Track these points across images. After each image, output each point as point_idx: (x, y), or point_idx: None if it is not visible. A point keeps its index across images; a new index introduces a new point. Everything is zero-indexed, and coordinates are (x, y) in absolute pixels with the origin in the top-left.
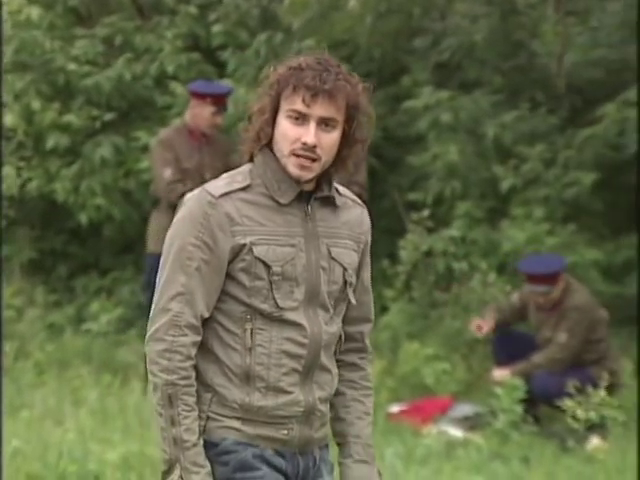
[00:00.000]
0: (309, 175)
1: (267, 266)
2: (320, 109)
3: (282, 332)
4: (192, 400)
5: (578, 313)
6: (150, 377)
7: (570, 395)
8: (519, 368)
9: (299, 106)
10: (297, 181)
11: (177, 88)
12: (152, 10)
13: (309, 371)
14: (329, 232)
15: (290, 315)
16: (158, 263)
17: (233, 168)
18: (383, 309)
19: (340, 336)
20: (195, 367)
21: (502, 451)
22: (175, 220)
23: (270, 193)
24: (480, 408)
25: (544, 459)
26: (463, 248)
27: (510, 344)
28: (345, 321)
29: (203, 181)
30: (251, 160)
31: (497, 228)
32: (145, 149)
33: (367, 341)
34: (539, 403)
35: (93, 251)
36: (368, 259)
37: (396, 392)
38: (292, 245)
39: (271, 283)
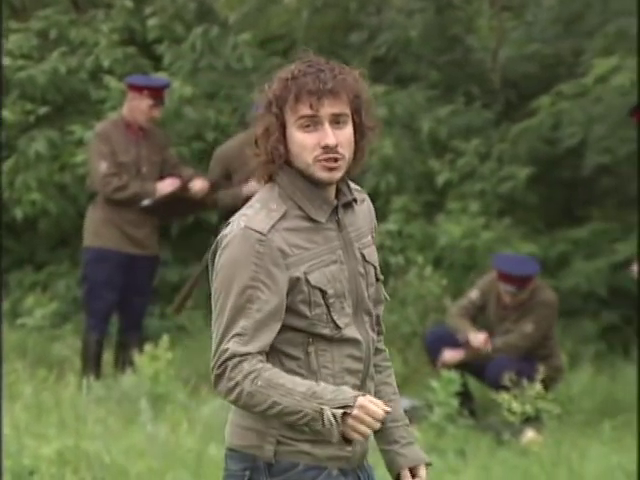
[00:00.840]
0: (338, 175)
1: (323, 291)
2: (329, 108)
3: (342, 350)
4: (277, 370)
5: (547, 309)
6: (237, 405)
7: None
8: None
9: (307, 112)
10: (324, 188)
11: (111, 82)
12: (87, 3)
13: (364, 383)
14: (358, 235)
15: (347, 332)
16: (94, 257)
17: (170, 162)
18: None
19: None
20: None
21: (438, 444)
22: (224, 263)
23: (307, 214)
24: (416, 401)
25: (479, 452)
26: (399, 242)
27: (442, 338)
28: None
29: (139, 175)
30: (269, 181)
31: (433, 222)
32: (80, 143)
33: (382, 323)
34: (491, 388)
35: (28, 246)
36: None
37: None
38: (334, 261)
39: (328, 307)
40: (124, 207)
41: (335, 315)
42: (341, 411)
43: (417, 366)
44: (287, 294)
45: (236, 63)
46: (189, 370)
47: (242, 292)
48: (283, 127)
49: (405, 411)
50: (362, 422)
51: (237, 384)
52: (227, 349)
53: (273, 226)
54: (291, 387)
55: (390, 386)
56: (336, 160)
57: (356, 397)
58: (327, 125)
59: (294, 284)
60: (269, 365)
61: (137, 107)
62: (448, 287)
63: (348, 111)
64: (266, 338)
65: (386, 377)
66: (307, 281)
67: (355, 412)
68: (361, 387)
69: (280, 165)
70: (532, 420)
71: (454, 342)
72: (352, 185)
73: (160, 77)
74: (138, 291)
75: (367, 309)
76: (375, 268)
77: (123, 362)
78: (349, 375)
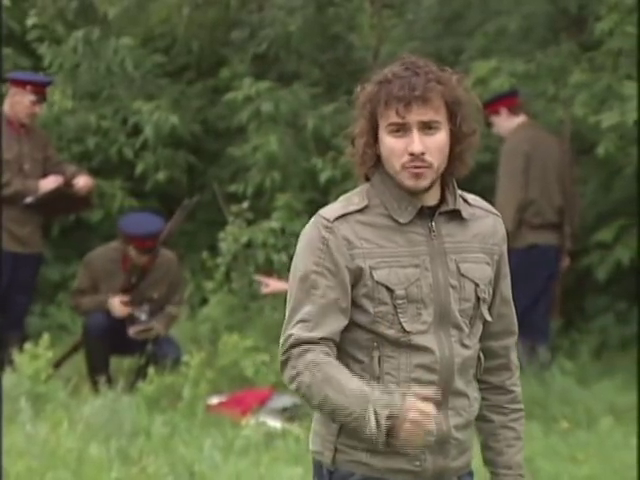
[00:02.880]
0: (424, 183)
1: (390, 290)
2: (417, 115)
3: (411, 358)
4: (339, 364)
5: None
6: (299, 395)
7: None
8: None
9: (395, 119)
10: (414, 193)
11: None
12: None
13: (443, 398)
14: (458, 247)
15: (419, 339)
16: None
17: (52, 159)
18: (203, 301)
19: (479, 356)
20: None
21: None
22: (297, 249)
23: (389, 213)
24: (299, 399)
25: None
26: (283, 240)
27: None
28: (487, 336)
29: (22, 172)
30: (367, 181)
31: None
32: None
33: (513, 356)
34: None
35: None
36: (506, 270)
37: (215, 384)
38: (416, 265)
39: (395, 307)
40: (7, 205)
41: (404, 318)
42: (386, 412)
43: None
44: (353, 286)
45: (117, 67)
46: (70, 369)
47: (306, 277)
48: (375, 130)
49: (286, 409)
50: (411, 428)
51: (298, 374)
52: (292, 335)
53: (344, 215)
54: (344, 383)
55: (512, 431)
56: (422, 167)
57: (404, 397)
58: (415, 131)
59: (358, 275)
60: (333, 358)
61: (19, 102)
62: None
63: (440, 117)
64: (331, 325)
65: (510, 421)
66: (371, 275)
67: (402, 415)
68: (438, 402)
69: (378, 165)
70: None
71: None
72: (472, 198)
73: (40, 74)
74: (21, 289)
75: (456, 323)
76: (477, 286)
77: (2, 361)
78: (419, 386)
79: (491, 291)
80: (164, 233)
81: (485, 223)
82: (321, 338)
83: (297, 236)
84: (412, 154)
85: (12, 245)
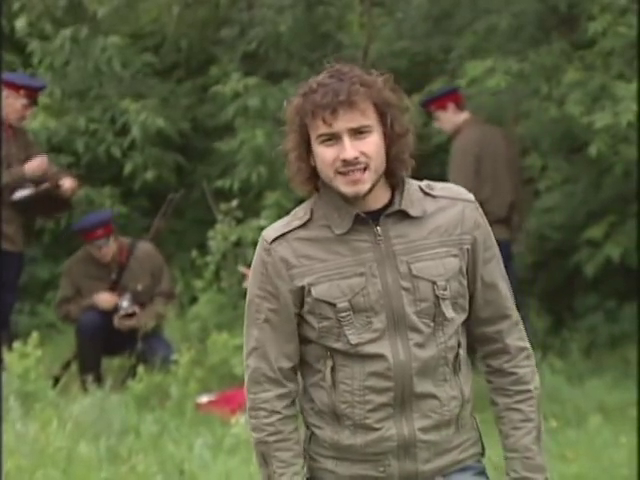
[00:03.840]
0: (365, 187)
1: (331, 304)
2: (344, 122)
3: (364, 367)
4: (288, 455)
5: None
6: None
7: None
8: None
9: (324, 129)
10: (356, 199)
11: None
12: None
13: (403, 402)
14: (410, 248)
15: (369, 348)
16: None
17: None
18: (192, 300)
19: (456, 352)
20: (289, 418)
21: None
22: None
23: (329, 224)
24: None
25: None
26: None
27: None
28: (478, 323)
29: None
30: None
31: None
32: None
33: (510, 340)
34: None
35: None
36: (488, 254)
37: (205, 382)
38: (361, 274)
39: (340, 320)
40: None
41: (349, 330)
42: None
43: None
44: (299, 304)
45: (105, 66)
46: (59, 368)
47: (252, 302)
48: (307, 143)
49: None
50: None
51: (252, 428)
52: (248, 365)
53: (283, 235)
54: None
55: (518, 412)
56: (362, 171)
57: None
58: (346, 138)
59: (299, 294)
60: (286, 433)
61: (12, 105)
62: None
63: (370, 121)
64: (281, 348)
65: (515, 402)
66: (309, 292)
67: None
68: (398, 406)
69: (311, 179)
70: None
71: None
72: (438, 188)
73: (37, 78)
74: (5, 288)
75: (413, 326)
76: (434, 284)
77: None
78: (374, 394)
79: (461, 283)
80: (152, 229)
81: (449, 213)
82: (278, 369)
83: None
84: (344, 160)
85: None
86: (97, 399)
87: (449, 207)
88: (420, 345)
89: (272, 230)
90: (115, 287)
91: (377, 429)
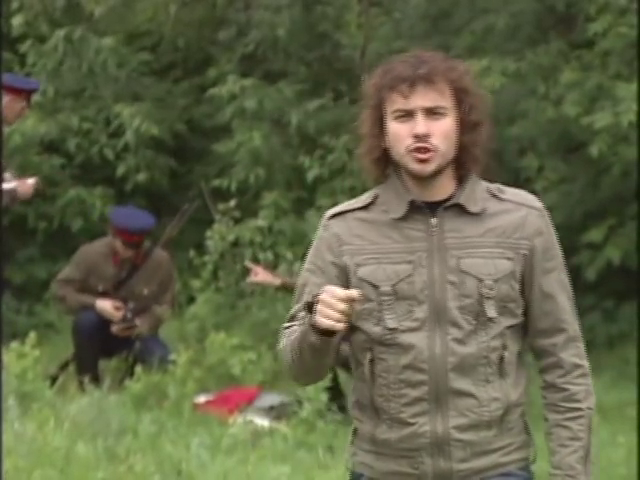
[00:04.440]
0: (430, 167)
1: (374, 286)
2: (422, 99)
3: (400, 359)
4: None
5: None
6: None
7: None
8: None
9: (400, 103)
10: (421, 180)
11: None
12: None
13: (439, 398)
14: (463, 243)
15: (406, 337)
16: None
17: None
18: (190, 299)
19: (500, 354)
20: None
21: (307, 440)
22: None
23: (388, 209)
24: (286, 397)
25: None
26: (270, 238)
27: None
28: (534, 334)
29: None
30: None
31: (303, 218)
32: None
33: (565, 355)
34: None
35: None
36: (548, 265)
37: (203, 382)
38: (409, 262)
39: (381, 304)
40: None
41: (390, 315)
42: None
43: None
44: (344, 282)
45: (99, 67)
46: (57, 368)
47: (301, 275)
48: (381, 120)
49: (273, 407)
50: (320, 307)
51: (281, 347)
52: (285, 328)
53: (342, 213)
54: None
55: (567, 430)
56: (427, 150)
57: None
58: (420, 115)
59: (344, 272)
60: None
61: (11, 107)
62: None
63: (446, 103)
64: None
65: (564, 420)
66: (355, 272)
67: (320, 297)
68: (433, 401)
69: (383, 164)
70: None
71: None
72: (508, 192)
73: (32, 80)
74: None
75: (453, 320)
76: (480, 282)
77: None
78: (409, 387)
79: (513, 288)
80: (163, 237)
81: (510, 217)
82: None
83: (284, 234)
84: (416, 136)
85: None
86: (95, 399)
87: (513, 211)
88: (459, 341)
89: (335, 209)
90: (121, 286)
91: (411, 424)
